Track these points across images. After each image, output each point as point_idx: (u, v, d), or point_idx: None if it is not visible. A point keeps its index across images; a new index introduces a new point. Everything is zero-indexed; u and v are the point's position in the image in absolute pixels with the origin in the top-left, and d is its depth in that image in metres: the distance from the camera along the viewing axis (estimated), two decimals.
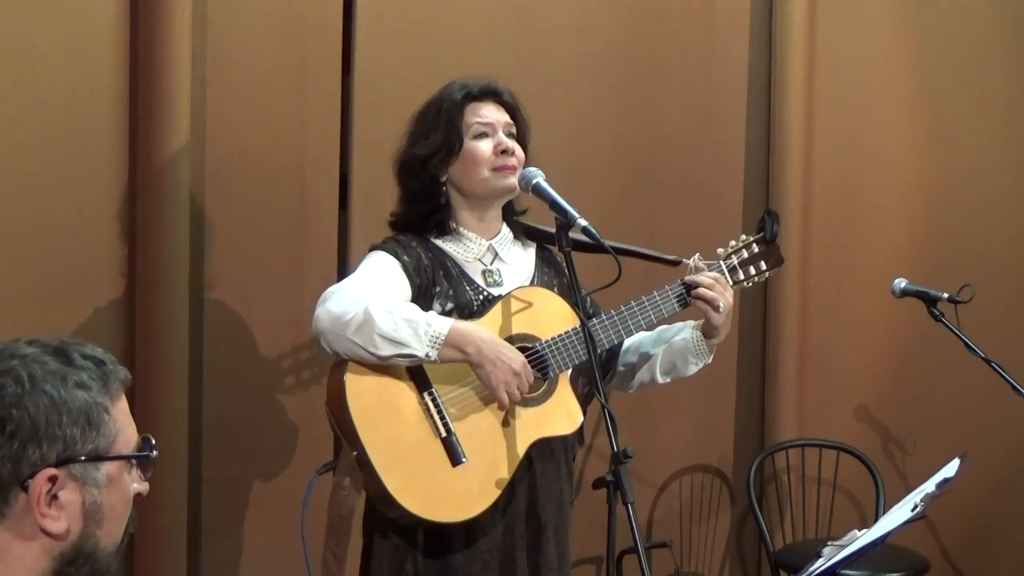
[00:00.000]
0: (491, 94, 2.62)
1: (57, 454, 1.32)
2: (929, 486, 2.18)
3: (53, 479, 1.32)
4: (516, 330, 2.52)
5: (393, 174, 2.65)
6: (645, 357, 2.74)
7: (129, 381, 1.42)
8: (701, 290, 2.59)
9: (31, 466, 1.31)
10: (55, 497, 1.32)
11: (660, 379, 2.74)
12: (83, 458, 1.33)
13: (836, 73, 4.12)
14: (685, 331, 2.70)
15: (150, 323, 3.17)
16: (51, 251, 3.13)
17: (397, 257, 2.52)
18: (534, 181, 2.50)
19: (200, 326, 3.29)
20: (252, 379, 3.38)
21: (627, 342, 2.75)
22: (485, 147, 2.56)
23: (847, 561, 2.12)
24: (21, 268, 3.10)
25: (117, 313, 3.19)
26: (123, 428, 1.38)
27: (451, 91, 2.61)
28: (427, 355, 2.37)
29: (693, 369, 2.72)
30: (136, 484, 1.41)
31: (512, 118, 2.62)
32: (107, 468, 1.36)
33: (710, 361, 2.72)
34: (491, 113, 2.59)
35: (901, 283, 3.58)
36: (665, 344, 2.72)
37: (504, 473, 2.46)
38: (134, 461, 1.39)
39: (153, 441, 1.41)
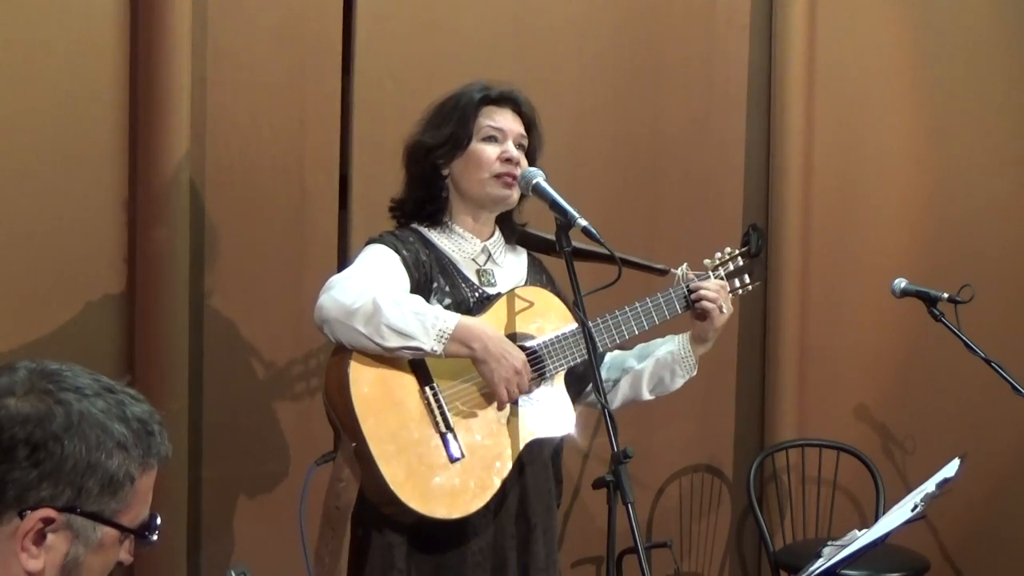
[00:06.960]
0: (510, 101, 2.61)
1: (67, 500, 1.30)
2: (929, 486, 2.18)
3: (49, 520, 1.29)
4: (515, 329, 2.52)
5: (401, 159, 2.65)
6: (628, 372, 2.75)
7: (169, 460, 1.40)
8: (706, 291, 2.63)
9: (37, 500, 1.29)
10: (43, 536, 1.30)
11: (646, 395, 2.75)
12: (88, 514, 1.31)
13: (836, 73, 4.13)
14: (670, 344, 2.72)
15: (150, 323, 3.16)
16: (51, 251, 3.12)
17: (397, 251, 2.51)
18: (534, 181, 2.49)
19: (200, 326, 3.28)
20: (252, 378, 3.37)
21: (607, 358, 2.76)
22: (491, 151, 2.56)
23: (847, 561, 2.13)
24: (21, 268, 3.09)
25: (117, 313, 3.19)
26: (138, 502, 1.37)
27: (471, 89, 2.60)
28: (432, 349, 2.36)
29: (680, 382, 2.74)
30: (124, 554, 1.39)
31: (527, 131, 2.62)
32: (105, 532, 1.33)
33: (695, 374, 2.73)
34: (506, 120, 2.59)
35: (901, 283, 3.58)
36: (651, 358, 2.73)
37: (499, 472, 2.45)
38: (132, 536, 1.37)
39: (159, 522, 1.39)
